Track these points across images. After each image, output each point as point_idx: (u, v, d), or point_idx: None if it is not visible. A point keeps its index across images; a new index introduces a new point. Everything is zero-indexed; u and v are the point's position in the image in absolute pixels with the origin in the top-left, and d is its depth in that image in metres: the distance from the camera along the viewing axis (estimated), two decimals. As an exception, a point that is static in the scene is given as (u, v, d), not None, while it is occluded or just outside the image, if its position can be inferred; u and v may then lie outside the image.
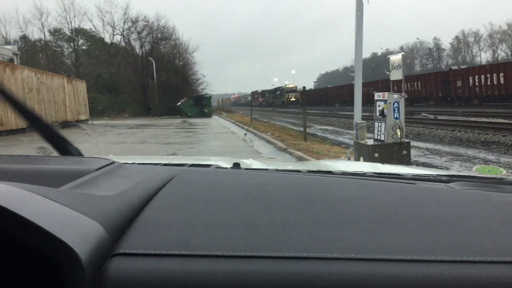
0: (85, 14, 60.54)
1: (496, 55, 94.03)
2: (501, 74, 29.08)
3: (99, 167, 1.03)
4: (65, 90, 23.91)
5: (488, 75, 30.37)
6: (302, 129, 14.83)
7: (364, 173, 1.39)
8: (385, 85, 38.62)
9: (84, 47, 52.24)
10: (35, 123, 1.25)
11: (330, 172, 1.41)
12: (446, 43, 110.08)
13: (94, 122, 27.59)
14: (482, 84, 31.00)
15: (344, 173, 1.38)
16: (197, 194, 0.95)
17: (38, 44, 50.51)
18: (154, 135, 17.41)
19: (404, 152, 6.26)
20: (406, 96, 7.04)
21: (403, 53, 7.57)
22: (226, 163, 1.56)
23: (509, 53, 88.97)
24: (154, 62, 40.00)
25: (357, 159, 6.82)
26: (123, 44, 48.01)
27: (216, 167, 1.45)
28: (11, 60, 22.96)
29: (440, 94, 36.21)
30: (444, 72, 37.74)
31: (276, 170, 1.46)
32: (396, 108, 6.32)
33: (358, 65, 7.29)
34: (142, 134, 17.98)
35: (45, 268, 0.57)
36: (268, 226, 0.74)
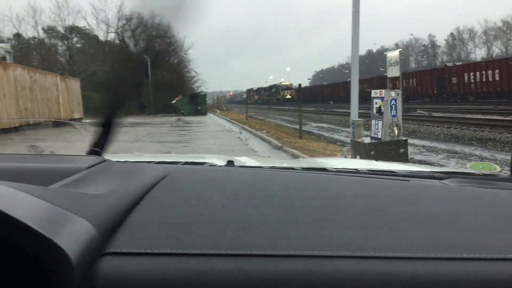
0: (79, 12, 60.24)
1: (491, 51, 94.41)
2: (497, 71, 29.10)
3: (90, 165, 1.02)
4: (58, 88, 23.66)
5: (483, 72, 30.41)
6: (297, 126, 14.78)
7: (358, 170, 1.37)
8: (381, 82, 38.69)
9: (78, 45, 51.94)
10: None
11: (324, 169, 1.39)
12: (441, 40, 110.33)
13: (88, 121, 27.35)
14: (478, 81, 31.04)
15: (338, 170, 1.37)
16: (189, 192, 0.94)
17: (32, 42, 50.18)
18: (149, 134, 17.29)
19: (402, 150, 6.17)
20: (400, 93, 6.96)
21: (401, 49, 7.47)
22: (220, 161, 1.54)
23: (504, 49, 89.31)
24: (149, 60, 39.72)
25: (353, 157, 6.74)
26: (118, 42, 47.75)
27: (209, 165, 1.43)
28: (4, 58, 22.75)
29: (435, 91, 36.25)
30: (440, 69, 37.77)
31: (270, 167, 1.44)
32: (393, 106, 6.23)
33: (355, 62, 7.20)
34: (136, 133, 17.82)
35: (34, 268, 0.56)
36: (261, 224, 0.74)
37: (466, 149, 11.22)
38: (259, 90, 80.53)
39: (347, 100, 43.20)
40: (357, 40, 7.24)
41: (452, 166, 8.76)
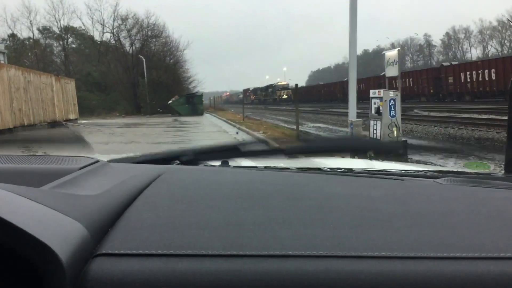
0: (74, 12, 59.97)
1: (487, 51, 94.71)
2: (493, 70, 29.11)
3: (82, 166, 1.02)
4: (53, 89, 23.51)
5: (479, 71, 30.41)
6: (294, 127, 14.69)
7: (352, 169, 1.37)
8: (377, 81, 38.70)
9: (73, 45, 51.73)
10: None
11: (319, 169, 1.37)
12: (436, 39, 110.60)
13: (83, 122, 27.23)
14: (474, 80, 31.04)
15: (332, 170, 1.36)
16: (182, 192, 0.94)
17: (27, 42, 49.92)
18: (144, 134, 17.16)
19: (401, 151, 6.06)
20: (399, 93, 6.88)
21: (399, 48, 7.37)
22: (214, 161, 1.53)
23: (500, 49, 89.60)
24: (144, 60, 39.63)
25: (351, 157, 6.62)
26: (113, 42, 47.57)
27: (204, 165, 1.42)
28: (-3, 59, 22.57)
29: (431, 91, 36.25)
30: (436, 69, 37.78)
31: (265, 167, 1.44)
32: (392, 106, 6.15)
33: (353, 63, 7.11)
34: (131, 134, 17.73)
35: (25, 269, 0.56)
36: (254, 225, 0.73)
37: (464, 149, 11.17)
38: (255, 90, 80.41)
39: (343, 100, 43.51)
40: (355, 42, 7.16)
41: (451, 166, 8.69)
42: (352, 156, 2.07)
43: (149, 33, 45.17)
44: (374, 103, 6.42)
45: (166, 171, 1.11)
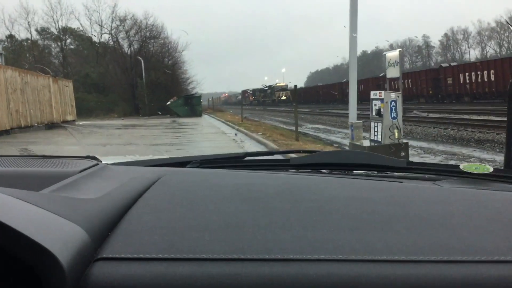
0: (72, 13, 59.74)
1: (485, 52, 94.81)
2: (492, 71, 29.09)
3: (82, 168, 1.02)
4: (50, 90, 23.40)
5: (478, 72, 30.39)
6: (293, 128, 14.63)
7: (352, 171, 1.38)
8: (376, 82, 38.66)
9: (72, 47, 51.60)
10: None
11: (318, 171, 1.38)
12: (435, 40, 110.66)
13: (81, 123, 27.13)
14: (473, 81, 31.02)
15: (332, 172, 1.37)
16: (182, 195, 0.93)
17: (25, 43, 49.79)
18: (142, 136, 17.06)
19: (402, 153, 5.99)
20: (401, 94, 6.80)
21: (400, 49, 7.27)
22: None
23: (498, 50, 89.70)
24: (142, 61, 39.53)
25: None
26: (111, 43, 47.46)
27: (203, 167, 1.41)
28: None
29: (430, 92, 36.24)
30: (435, 70, 37.76)
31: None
32: (393, 108, 6.05)
33: (353, 63, 7.01)
34: (129, 135, 17.64)
35: (26, 273, 0.56)
36: (255, 228, 0.73)
37: (465, 151, 11.13)
38: (254, 91, 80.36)
39: (342, 101, 43.53)
40: (355, 42, 7.08)
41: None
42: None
43: (148, 34, 45.10)
44: (375, 105, 6.31)
45: (166, 174, 1.10)
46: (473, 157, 10.12)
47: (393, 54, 7.04)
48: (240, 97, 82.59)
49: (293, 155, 1.65)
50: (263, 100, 70.49)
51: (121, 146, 13.21)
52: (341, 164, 1.41)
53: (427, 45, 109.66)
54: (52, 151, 11.19)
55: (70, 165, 1.08)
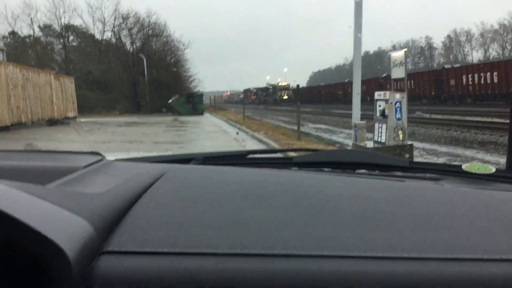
0: (75, 10, 59.76)
1: (488, 54, 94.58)
2: (495, 73, 28.98)
3: (87, 164, 1.03)
4: (52, 86, 23.33)
5: (481, 74, 30.29)
6: (295, 127, 14.57)
7: (354, 170, 1.38)
8: (378, 83, 38.55)
9: (74, 44, 51.56)
10: None
11: (321, 169, 1.37)
12: (438, 42, 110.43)
13: (82, 120, 27.11)
14: (476, 83, 30.92)
15: (334, 170, 1.37)
16: (186, 191, 0.93)
17: (28, 40, 49.78)
18: (144, 134, 16.99)
19: (407, 155, 5.90)
20: (406, 95, 6.71)
21: (406, 49, 7.17)
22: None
23: (501, 52, 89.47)
24: (145, 59, 39.47)
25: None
26: (114, 40, 47.40)
27: (207, 164, 1.41)
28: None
29: (433, 93, 36.14)
30: (438, 71, 37.66)
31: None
32: (398, 109, 5.96)
33: (357, 63, 6.93)
34: (130, 133, 17.59)
35: (32, 266, 0.57)
36: (258, 224, 0.74)
37: (468, 152, 11.09)
38: (256, 90, 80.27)
39: (344, 100, 43.43)
40: (360, 41, 6.99)
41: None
42: None
43: (150, 32, 45.03)
44: (379, 105, 6.22)
45: (170, 170, 1.10)
46: (477, 159, 10.07)
47: (398, 54, 6.93)
48: (242, 96, 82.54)
49: (295, 154, 1.66)
50: (265, 99, 70.39)
51: (121, 144, 13.16)
52: (343, 163, 1.41)
53: (430, 47, 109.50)
54: (53, 147, 11.13)
55: (75, 160, 1.09)
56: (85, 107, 32.97)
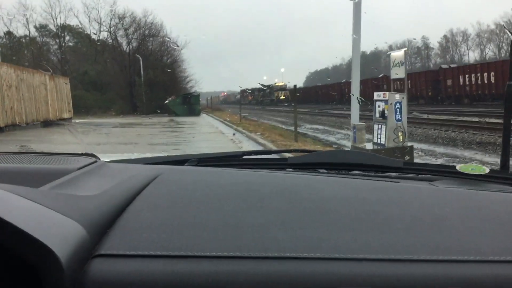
0: (71, 10, 59.56)
1: (484, 54, 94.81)
2: (492, 73, 28.96)
3: (81, 166, 1.02)
4: (47, 87, 23.15)
5: (478, 74, 30.26)
6: (292, 128, 14.47)
7: (349, 171, 1.38)
8: (375, 83, 38.48)
9: (70, 44, 51.32)
10: None
11: (316, 171, 1.37)
12: (434, 42, 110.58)
13: (77, 121, 26.92)
14: (473, 83, 30.92)
15: (329, 172, 1.36)
16: (180, 193, 0.93)
17: (23, 40, 49.50)
18: (139, 135, 16.88)
19: (407, 157, 5.79)
20: (406, 95, 6.61)
21: (406, 49, 7.07)
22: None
23: (497, 52, 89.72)
24: (141, 59, 39.29)
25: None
26: (110, 41, 47.22)
27: (201, 165, 1.40)
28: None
29: (430, 93, 36.11)
30: (435, 71, 37.63)
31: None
32: (398, 109, 5.85)
33: (356, 63, 6.82)
34: (125, 134, 17.45)
35: (24, 269, 0.57)
36: (252, 226, 0.73)
37: (466, 153, 11.00)
38: (253, 90, 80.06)
39: (341, 101, 43.26)
40: (359, 41, 6.87)
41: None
42: None
43: (147, 32, 44.87)
44: (379, 106, 6.12)
45: (164, 172, 1.10)
46: (475, 160, 9.97)
47: (398, 54, 6.81)
48: (238, 96, 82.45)
49: (290, 155, 1.67)
50: (261, 99, 70.27)
51: (116, 146, 13.04)
52: (338, 164, 1.40)
53: (427, 47, 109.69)
54: (47, 149, 10.98)
55: (68, 162, 1.08)
56: (81, 108, 32.81)
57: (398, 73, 6.73)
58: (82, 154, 1.20)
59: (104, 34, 48.70)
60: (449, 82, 33.65)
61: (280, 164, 1.45)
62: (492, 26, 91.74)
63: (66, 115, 26.33)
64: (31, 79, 21.19)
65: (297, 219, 0.77)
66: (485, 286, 0.60)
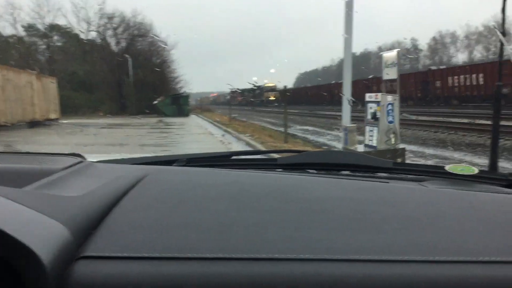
0: (60, 10, 58.95)
1: (472, 56, 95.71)
2: (481, 75, 29.16)
3: (66, 166, 1.01)
4: (33, 87, 22.81)
5: (467, 76, 30.46)
6: (282, 129, 14.40)
7: (340, 171, 1.37)
8: (365, 85, 38.62)
9: (59, 44, 50.78)
10: None
11: (307, 171, 1.35)
12: (423, 43, 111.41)
13: (65, 122, 26.59)
14: (462, 84, 31.14)
15: (320, 172, 1.35)
16: (169, 193, 0.92)
17: (11, 40, 48.86)
18: (127, 136, 16.70)
19: (399, 160, 5.70)
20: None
21: (399, 49, 7.01)
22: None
23: (485, 54, 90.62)
24: (130, 59, 38.99)
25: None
26: (99, 40, 46.79)
27: (190, 166, 1.38)
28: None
29: (419, 95, 36.29)
30: (424, 72, 37.85)
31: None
32: (390, 111, 5.76)
33: (347, 64, 6.72)
34: (113, 135, 17.24)
35: (5, 271, 0.56)
36: (242, 227, 0.73)
37: (456, 155, 11.02)
38: (243, 91, 79.98)
39: (331, 102, 43.32)
40: (350, 42, 6.79)
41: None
42: None
43: (136, 32, 44.55)
44: (370, 108, 6.03)
45: (152, 172, 1.08)
46: (465, 161, 9.96)
47: (390, 55, 6.73)
48: (229, 97, 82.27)
49: (280, 155, 1.64)
50: (251, 100, 70.17)
51: (103, 147, 12.87)
52: (328, 164, 1.40)
53: (415, 48, 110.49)
54: (32, 150, 10.77)
55: (54, 162, 1.07)
56: (69, 108, 32.51)
57: (390, 74, 6.65)
58: (68, 154, 1.18)
59: (93, 34, 48.34)
60: (438, 83, 33.86)
61: (269, 165, 1.44)
62: (481, 28, 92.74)
63: (53, 116, 25.98)
64: (17, 79, 20.89)
65: (287, 220, 0.76)
66: (476, 286, 0.59)
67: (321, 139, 15.86)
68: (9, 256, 0.53)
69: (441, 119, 19.51)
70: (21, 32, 49.24)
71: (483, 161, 9.89)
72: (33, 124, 21.96)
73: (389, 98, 5.84)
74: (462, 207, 0.90)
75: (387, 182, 1.14)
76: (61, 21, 51.12)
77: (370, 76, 41.03)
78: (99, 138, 16.27)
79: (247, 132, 16.13)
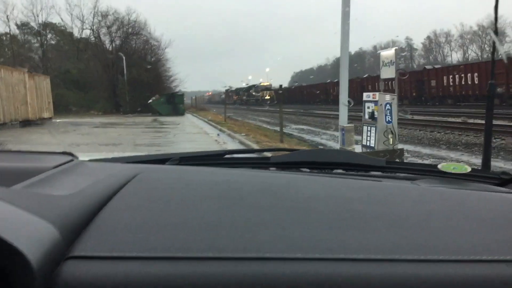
0: (53, 7, 58.55)
1: (467, 55, 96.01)
2: (476, 74, 29.20)
3: (57, 164, 1.00)
4: (26, 86, 22.58)
5: (462, 75, 30.50)
6: (277, 128, 14.32)
7: (331, 170, 1.38)
8: (360, 84, 38.61)
9: (52, 42, 50.42)
10: None
11: (298, 170, 1.36)
12: (418, 43, 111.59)
13: (58, 121, 26.38)
14: (457, 83, 31.17)
15: (311, 171, 1.35)
16: (159, 192, 0.92)
17: (4, 38, 48.47)
18: (120, 135, 16.54)
19: (397, 160, 5.59)
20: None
21: (396, 47, 6.90)
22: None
23: (479, 53, 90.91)
24: (124, 58, 38.74)
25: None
26: (93, 39, 46.48)
27: (182, 164, 1.37)
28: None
29: (414, 94, 36.30)
30: (419, 72, 37.86)
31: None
32: (388, 111, 5.65)
33: (344, 63, 6.61)
34: (106, 135, 17.07)
35: None
36: (231, 226, 0.72)
37: (453, 154, 10.96)
38: (238, 90, 79.79)
39: (326, 101, 43.21)
40: (347, 41, 6.70)
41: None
42: None
43: (130, 30, 44.28)
44: (368, 107, 5.92)
45: (143, 171, 1.06)
46: (462, 160, 9.90)
47: (388, 53, 6.62)
48: (224, 96, 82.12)
49: (273, 154, 1.66)
50: (246, 99, 70.04)
51: (95, 147, 12.73)
52: (321, 162, 1.39)
53: (410, 47, 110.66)
54: (24, 150, 10.61)
55: (44, 160, 1.05)
56: (62, 107, 32.31)
57: (388, 73, 6.55)
58: (58, 153, 1.16)
59: (86, 32, 48.06)
60: (433, 82, 33.90)
61: (262, 163, 1.44)
62: (475, 28, 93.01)
63: (46, 115, 25.76)
64: (10, 77, 20.65)
65: (279, 219, 0.76)
66: (467, 285, 0.59)
67: (317, 139, 15.79)
68: None
69: (436, 118, 19.48)
70: (15, 30, 48.89)
71: (480, 160, 9.84)
72: (26, 123, 21.76)
73: (387, 97, 5.74)
74: (454, 205, 0.90)
75: (380, 181, 1.15)
76: (54, 19, 50.92)
77: (365, 76, 41.07)
78: (93, 137, 16.11)
79: (243, 132, 16.03)
